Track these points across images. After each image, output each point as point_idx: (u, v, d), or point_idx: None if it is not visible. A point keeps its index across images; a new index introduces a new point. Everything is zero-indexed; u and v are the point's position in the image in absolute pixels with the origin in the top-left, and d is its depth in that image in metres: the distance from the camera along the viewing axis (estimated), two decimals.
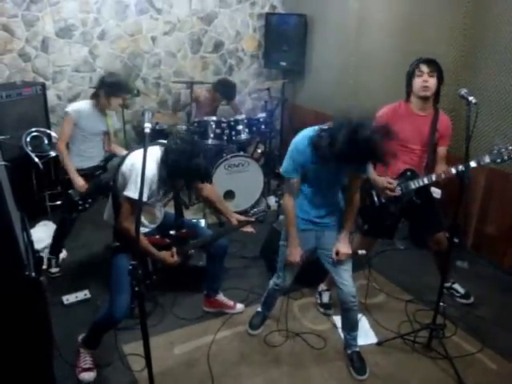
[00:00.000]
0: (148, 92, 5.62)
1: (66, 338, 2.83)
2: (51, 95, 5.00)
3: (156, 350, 2.58)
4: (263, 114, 5.06)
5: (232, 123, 4.83)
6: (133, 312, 2.87)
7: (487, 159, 2.79)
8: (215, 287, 3.27)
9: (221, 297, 3.31)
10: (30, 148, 4.22)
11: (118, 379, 2.70)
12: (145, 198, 2.48)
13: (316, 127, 2.42)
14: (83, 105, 3.55)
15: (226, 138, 4.80)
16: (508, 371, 2.84)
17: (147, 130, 1.96)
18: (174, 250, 2.75)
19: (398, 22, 4.58)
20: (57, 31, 4.92)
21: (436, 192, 3.48)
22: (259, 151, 5.51)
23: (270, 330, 3.15)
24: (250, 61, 6.29)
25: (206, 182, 2.82)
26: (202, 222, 3.93)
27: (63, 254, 3.83)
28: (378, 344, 3.04)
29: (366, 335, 3.09)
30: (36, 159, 4.13)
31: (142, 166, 1.92)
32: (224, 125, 4.80)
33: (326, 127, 2.33)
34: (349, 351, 2.88)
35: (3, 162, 2.26)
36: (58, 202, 4.61)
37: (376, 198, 3.17)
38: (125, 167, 2.56)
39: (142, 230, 2.71)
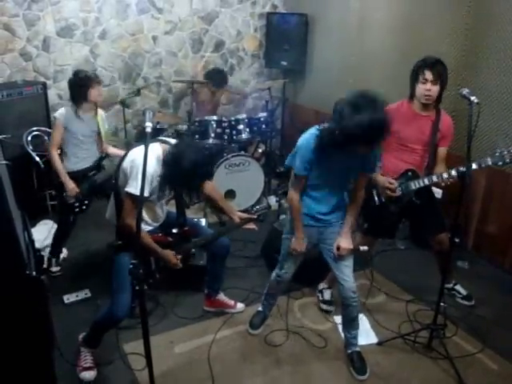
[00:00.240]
0: (149, 91, 5.61)
1: (66, 337, 2.82)
2: (52, 94, 5.00)
3: (156, 350, 2.58)
4: (264, 114, 5.06)
5: (233, 123, 4.83)
6: (133, 311, 2.88)
7: (489, 162, 2.77)
8: (216, 287, 3.27)
9: (221, 296, 3.31)
10: (30, 147, 4.22)
11: (118, 378, 2.70)
12: (146, 194, 2.48)
13: (321, 125, 2.44)
14: (69, 110, 3.54)
15: (226, 137, 4.81)
16: (509, 371, 2.83)
17: (148, 130, 1.96)
18: (180, 257, 2.74)
19: (398, 22, 4.58)
20: (58, 30, 4.92)
21: (437, 192, 3.48)
22: (260, 151, 5.51)
23: (270, 329, 3.15)
24: (251, 60, 6.28)
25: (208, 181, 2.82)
26: (203, 222, 3.93)
27: (64, 254, 3.84)
28: (379, 344, 3.04)
29: (366, 335, 3.09)
30: (37, 158, 4.14)
31: (143, 165, 1.91)
32: (225, 124, 4.80)
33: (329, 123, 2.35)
34: (349, 351, 2.88)
35: (4, 161, 2.26)
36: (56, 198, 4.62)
37: (376, 198, 3.17)
38: (125, 164, 2.56)
39: (145, 228, 2.72)
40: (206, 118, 4.83)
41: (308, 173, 2.54)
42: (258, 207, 3.09)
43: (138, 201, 2.15)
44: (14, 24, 4.70)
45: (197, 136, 4.74)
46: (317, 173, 2.54)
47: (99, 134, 3.69)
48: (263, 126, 5.00)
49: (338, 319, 3.17)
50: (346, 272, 2.71)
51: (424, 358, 2.91)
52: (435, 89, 2.89)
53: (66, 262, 3.80)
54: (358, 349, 2.87)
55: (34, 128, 4.32)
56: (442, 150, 3.08)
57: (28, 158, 4.15)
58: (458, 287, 3.52)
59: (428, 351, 2.94)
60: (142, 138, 4.76)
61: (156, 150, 2.56)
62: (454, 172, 2.86)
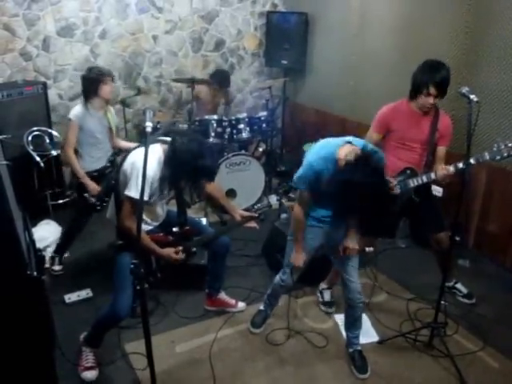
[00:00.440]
0: (149, 91, 5.61)
1: (67, 336, 2.83)
2: (52, 94, 5.00)
3: (158, 349, 2.59)
4: (264, 113, 5.06)
5: (233, 122, 4.83)
6: (135, 311, 2.88)
7: (486, 157, 2.79)
8: (217, 286, 3.27)
9: (222, 295, 3.31)
10: (31, 147, 4.21)
11: (120, 378, 2.71)
12: (146, 197, 2.48)
13: (332, 144, 2.41)
14: (82, 108, 3.57)
15: (227, 136, 4.80)
16: (510, 369, 2.84)
17: (148, 129, 1.96)
18: (180, 248, 2.75)
19: (399, 21, 4.57)
20: (58, 30, 4.92)
21: (437, 190, 3.48)
22: (260, 150, 5.51)
23: (271, 328, 3.15)
24: (251, 59, 6.28)
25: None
26: (204, 221, 3.93)
27: (66, 253, 3.84)
28: (380, 342, 3.04)
29: (367, 334, 3.09)
30: (37, 158, 4.13)
31: (143, 166, 1.91)
32: (225, 123, 4.79)
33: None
34: (350, 350, 2.89)
35: (5, 162, 2.26)
36: (60, 201, 4.63)
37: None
38: (126, 166, 2.56)
39: (145, 227, 2.72)
40: (207, 117, 4.83)
41: (308, 190, 2.52)
42: (259, 205, 3.09)
43: (138, 205, 2.15)
44: (14, 24, 4.70)
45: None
46: (323, 184, 2.47)
47: (110, 129, 3.72)
48: (264, 125, 5.00)
49: (339, 318, 3.18)
50: (351, 273, 2.72)
51: (425, 357, 2.92)
52: (437, 101, 2.92)
53: (68, 262, 3.80)
54: (359, 347, 2.87)
55: (35, 128, 4.30)
56: (441, 150, 3.09)
57: (28, 158, 4.14)
58: (458, 285, 3.52)
59: (429, 349, 2.95)
60: (143, 137, 4.77)
61: (157, 152, 2.56)
62: (451, 168, 2.86)
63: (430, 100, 2.89)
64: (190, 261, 2.93)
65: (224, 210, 3.10)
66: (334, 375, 2.79)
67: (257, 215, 3.03)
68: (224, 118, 4.83)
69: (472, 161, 2.77)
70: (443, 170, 2.92)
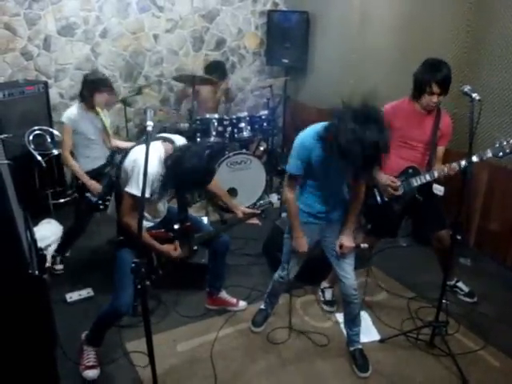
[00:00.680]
0: (150, 90, 5.61)
1: (69, 335, 2.84)
2: (53, 93, 5.00)
3: (159, 348, 2.59)
4: (265, 112, 5.06)
5: (234, 121, 4.83)
6: (136, 310, 2.88)
7: (489, 153, 2.80)
8: (218, 285, 3.27)
9: (223, 294, 3.31)
10: (32, 146, 4.22)
11: (121, 377, 2.71)
12: (147, 195, 2.48)
13: (323, 123, 2.41)
14: (74, 110, 3.57)
15: (228, 135, 4.80)
16: (511, 368, 2.83)
17: (149, 128, 1.96)
18: (177, 242, 2.75)
19: (400, 19, 4.56)
20: (59, 29, 4.92)
21: (439, 189, 3.47)
22: (261, 149, 5.51)
23: (272, 327, 3.15)
24: (252, 58, 6.28)
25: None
26: (205, 220, 3.93)
27: (67, 252, 3.84)
28: (381, 341, 3.04)
29: (368, 332, 3.09)
30: (39, 157, 4.14)
31: (144, 165, 1.91)
32: (226, 122, 4.79)
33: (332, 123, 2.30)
34: (351, 348, 2.89)
35: (6, 161, 2.27)
36: (61, 200, 4.64)
37: (378, 197, 3.16)
38: (127, 163, 2.56)
39: (146, 224, 2.72)
40: (208, 116, 4.83)
41: (301, 172, 2.52)
42: (261, 202, 3.10)
43: (139, 202, 2.15)
44: (15, 23, 4.70)
45: (198, 134, 4.74)
46: (314, 172, 2.52)
47: (105, 129, 3.72)
48: (265, 124, 5.00)
49: (340, 317, 3.18)
50: (347, 269, 2.72)
51: (426, 355, 2.92)
52: (441, 98, 2.92)
53: (69, 261, 3.80)
54: (360, 346, 2.87)
55: (36, 127, 4.31)
56: (441, 149, 3.10)
57: (30, 158, 4.15)
58: (460, 284, 3.52)
59: (430, 348, 2.95)
60: (144, 135, 4.76)
61: (158, 150, 2.56)
62: (454, 164, 2.87)
63: (434, 99, 2.89)
64: (191, 258, 2.94)
65: (226, 207, 3.10)
66: (335, 374, 2.79)
67: (259, 212, 3.03)
68: (225, 117, 4.83)
69: (475, 158, 2.78)
70: (447, 168, 2.92)
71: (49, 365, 2.06)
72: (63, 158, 3.62)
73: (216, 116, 4.82)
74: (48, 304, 2.38)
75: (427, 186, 3.11)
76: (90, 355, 2.71)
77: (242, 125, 4.85)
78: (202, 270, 3.38)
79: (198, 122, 4.80)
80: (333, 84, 5.52)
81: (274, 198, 5.12)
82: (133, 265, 1.88)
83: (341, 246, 2.67)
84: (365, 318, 3.17)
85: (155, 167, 2.50)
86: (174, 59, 5.69)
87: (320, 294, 3.45)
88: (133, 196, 2.50)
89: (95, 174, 3.59)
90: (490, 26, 3.74)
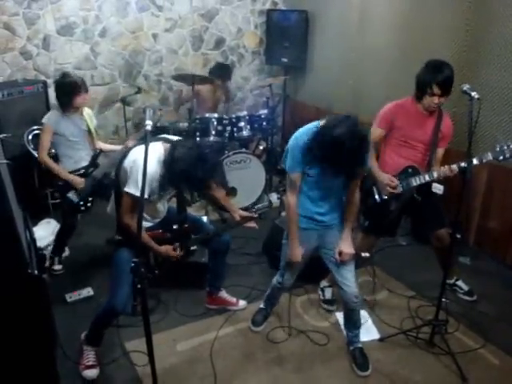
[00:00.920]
0: (149, 89, 5.61)
1: (69, 335, 2.84)
2: (53, 93, 4.94)
3: (159, 347, 2.58)
4: (265, 111, 5.05)
5: (234, 120, 4.82)
6: (135, 309, 2.88)
7: (489, 156, 2.80)
8: (217, 284, 3.27)
9: (223, 294, 3.31)
10: (31, 146, 4.22)
11: (120, 376, 2.71)
12: (146, 195, 2.48)
13: (316, 122, 2.41)
14: (57, 112, 3.56)
15: (227, 134, 4.79)
16: (510, 367, 2.84)
17: (148, 128, 1.96)
18: (177, 244, 2.76)
19: (399, 18, 4.56)
20: (58, 29, 4.92)
21: (438, 188, 3.49)
22: (261, 148, 5.51)
23: (272, 326, 3.15)
24: (252, 57, 6.28)
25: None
26: (204, 219, 3.93)
27: (66, 252, 3.85)
28: (381, 340, 3.04)
29: (368, 331, 3.09)
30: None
31: (143, 164, 1.91)
32: (226, 122, 4.79)
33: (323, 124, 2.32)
34: (351, 347, 2.89)
35: (5, 161, 2.26)
36: (60, 200, 4.63)
37: (377, 195, 3.16)
38: (127, 163, 2.56)
39: (145, 224, 2.72)
40: (207, 115, 4.82)
41: (301, 169, 2.50)
42: (259, 205, 3.10)
43: (139, 202, 2.16)
44: (14, 23, 4.70)
45: (197, 133, 4.74)
46: (310, 171, 2.50)
47: (89, 131, 3.70)
48: (264, 123, 4.99)
49: (340, 316, 3.18)
50: (347, 277, 2.69)
51: (426, 354, 2.92)
52: (442, 99, 2.92)
53: (69, 261, 3.80)
54: (360, 345, 2.88)
55: (35, 127, 4.31)
56: (440, 151, 3.11)
57: (29, 157, 4.15)
58: (459, 283, 3.52)
59: (430, 347, 2.95)
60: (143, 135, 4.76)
61: (157, 150, 2.56)
62: (454, 166, 2.87)
63: (435, 100, 2.90)
64: (189, 258, 2.94)
65: (224, 209, 3.10)
66: (335, 373, 2.79)
67: (256, 216, 3.03)
68: (224, 116, 4.82)
69: (475, 161, 2.78)
70: (447, 169, 2.91)
71: (49, 364, 2.06)
72: (40, 159, 3.55)
73: (215, 115, 4.81)
74: (48, 303, 2.37)
75: (426, 186, 3.11)
76: (89, 355, 2.71)
77: (242, 124, 4.85)
78: (202, 270, 3.37)
79: (197, 121, 4.79)
80: (332, 83, 5.53)
81: (274, 197, 5.12)
82: (132, 264, 1.87)
83: (340, 253, 2.65)
84: (364, 316, 3.17)
85: (154, 167, 2.50)
86: (173, 58, 5.69)
87: (320, 292, 3.45)
88: (132, 196, 2.50)
89: (79, 175, 3.58)
90: (489, 25, 3.74)
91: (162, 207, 2.89)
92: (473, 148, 2.61)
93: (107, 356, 2.81)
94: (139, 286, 1.90)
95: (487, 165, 3.75)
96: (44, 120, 3.53)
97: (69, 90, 3.48)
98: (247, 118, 4.88)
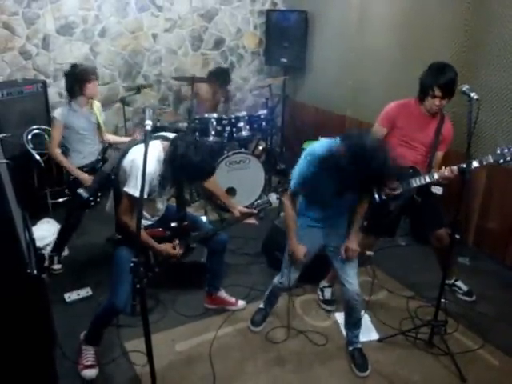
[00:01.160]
0: (149, 89, 5.61)
1: (67, 335, 2.84)
2: (52, 93, 5.00)
3: (158, 347, 2.58)
4: (264, 111, 5.05)
5: (233, 120, 4.82)
6: (134, 309, 2.88)
7: (490, 159, 2.81)
8: (216, 284, 3.27)
9: (222, 293, 3.31)
10: (31, 146, 4.22)
11: (119, 376, 2.71)
12: (145, 195, 2.48)
13: (327, 146, 2.37)
14: (66, 106, 3.57)
15: (226, 135, 4.80)
16: (510, 367, 2.84)
17: (148, 128, 1.96)
18: (177, 241, 2.76)
19: (398, 18, 4.56)
20: (57, 28, 4.92)
21: (437, 188, 3.49)
22: (260, 148, 5.50)
23: (271, 326, 3.15)
24: (251, 58, 6.28)
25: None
26: (204, 219, 3.93)
27: (65, 252, 3.84)
28: (380, 340, 3.04)
29: (367, 332, 3.09)
30: (37, 157, 4.14)
31: (143, 164, 1.91)
32: (225, 122, 4.79)
33: (339, 150, 2.25)
34: (350, 348, 2.89)
35: (4, 160, 2.26)
36: (60, 200, 4.63)
37: (376, 195, 3.16)
38: (126, 162, 2.57)
39: (144, 222, 2.73)
40: (206, 115, 4.82)
41: (302, 190, 2.52)
42: (258, 201, 3.12)
43: (138, 202, 2.16)
44: (14, 22, 4.69)
45: (197, 134, 4.74)
46: (320, 186, 2.47)
47: (98, 124, 3.71)
48: (263, 124, 4.99)
49: (339, 316, 3.18)
50: (351, 274, 2.71)
51: (425, 355, 2.92)
52: (444, 102, 2.92)
53: (68, 260, 3.79)
54: (359, 345, 2.88)
55: (34, 126, 4.32)
56: (440, 154, 3.12)
57: (28, 157, 4.15)
58: (458, 283, 3.52)
59: (429, 347, 2.95)
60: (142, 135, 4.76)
61: (156, 149, 2.56)
62: (455, 167, 2.87)
63: (436, 102, 2.90)
64: (188, 257, 2.94)
65: (224, 206, 3.10)
66: (334, 373, 2.79)
67: (256, 211, 3.04)
68: (224, 117, 4.83)
69: (475, 163, 2.79)
70: (448, 171, 2.91)
71: (47, 364, 2.06)
72: (51, 153, 3.60)
73: (215, 115, 4.82)
74: (47, 303, 2.37)
75: (426, 187, 3.11)
76: (88, 355, 2.71)
77: (241, 124, 4.85)
78: (201, 269, 3.37)
79: (196, 122, 4.80)
80: (331, 83, 5.54)
81: (273, 197, 5.12)
82: (131, 264, 1.88)
83: (346, 250, 2.67)
84: (364, 317, 3.16)
85: (153, 166, 2.51)
86: (172, 58, 5.69)
87: (319, 293, 3.45)
88: (131, 196, 2.50)
89: (88, 170, 3.60)
90: (488, 26, 3.74)
91: (161, 205, 2.89)
92: (472, 149, 2.62)
93: (106, 356, 2.81)
94: (138, 285, 1.90)
95: (486, 165, 3.76)
96: (54, 114, 3.55)
97: (81, 78, 3.50)
98: (246, 118, 4.88)
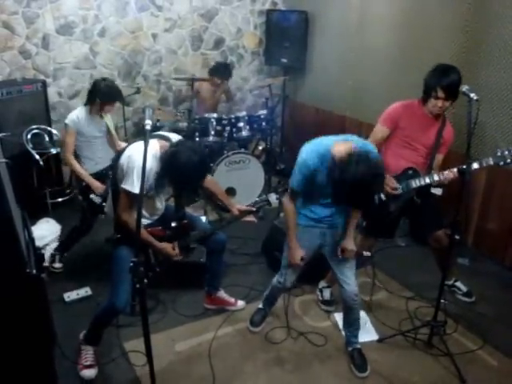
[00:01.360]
0: (149, 89, 5.61)
1: (67, 335, 2.83)
2: (52, 92, 5.00)
3: (157, 347, 2.58)
4: (264, 111, 5.06)
5: (233, 120, 4.83)
6: (134, 309, 2.88)
7: (490, 161, 2.82)
8: (216, 284, 3.27)
9: (222, 294, 3.31)
10: (30, 145, 4.22)
11: (119, 376, 2.71)
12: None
13: (326, 143, 2.40)
14: (79, 113, 3.55)
15: (226, 135, 4.80)
16: (509, 368, 2.84)
17: (148, 127, 1.96)
18: (176, 243, 2.76)
19: (398, 19, 4.56)
20: (57, 28, 4.92)
21: (437, 189, 3.49)
22: (260, 148, 5.50)
23: (271, 326, 3.15)
24: (251, 58, 6.28)
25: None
26: (203, 219, 3.93)
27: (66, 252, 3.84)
28: (379, 341, 3.04)
29: (366, 332, 3.09)
30: (37, 156, 4.13)
31: (143, 162, 1.91)
32: (225, 122, 4.79)
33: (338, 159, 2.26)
34: (350, 348, 2.89)
35: (4, 160, 2.26)
36: (59, 199, 4.64)
37: (376, 196, 3.16)
38: (123, 160, 2.57)
39: (143, 221, 2.72)
40: (206, 115, 4.82)
41: (302, 189, 2.52)
42: (257, 199, 3.12)
43: (136, 198, 2.16)
44: (14, 22, 4.69)
45: (197, 133, 4.74)
46: (317, 184, 2.49)
47: (109, 131, 3.71)
48: (263, 124, 4.99)
49: (339, 316, 3.18)
50: (348, 275, 2.71)
51: (424, 355, 2.92)
52: (447, 103, 2.92)
53: (67, 260, 3.79)
54: (358, 346, 2.88)
55: (34, 126, 4.32)
56: (440, 157, 3.12)
57: (28, 156, 4.15)
58: (458, 284, 3.52)
59: (428, 348, 2.95)
60: (141, 134, 4.76)
61: (153, 147, 2.55)
62: (455, 169, 2.87)
63: (439, 103, 2.90)
64: (188, 256, 2.93)
65: (222, 206, 3.10)
66: (333, 374, 2.79)
67: (254, 209, 3.04)
68: (224, 117, 4.83)
69: (476, 165, 2.79)
70: (449, 172, 2.92)
71: (47, 364, 2.06)
72: (65, 160, 3.61)
73: (215, 115, 4.82)
74: (46, 303, 2.37)
75: (425, 188, 3.11)
76: (88, 354, 2.71)
77: (241, 124, 4.85)
78: (201, 269, 3.37)
79: (196, 122, 4.80)
80: (331, 83, 5.54)
81: (273, 197, 5.09)
82: (131, 264, 1.87)
83: (343, 250, 2.66)
84: (363, 317, 3.16)
85: (150, 163, 2.49)
86: (172, 58, 5.69)
87: (318, 293, 3.45)
88: (128, 192, 2.50)
89: (100, 176, 3.58)
90: (488, 27, 3.74)
91: (160, 204, 2.88)
92: (472, 149, 2.62)
93: (105, 356, 2.81)
94: (138, 285, 1.90)
95: (486, 167, 3.77)
96: (66, 121, 3.53)
97: (105, 97, 3.48)
98: (246, 118, 4.88)
